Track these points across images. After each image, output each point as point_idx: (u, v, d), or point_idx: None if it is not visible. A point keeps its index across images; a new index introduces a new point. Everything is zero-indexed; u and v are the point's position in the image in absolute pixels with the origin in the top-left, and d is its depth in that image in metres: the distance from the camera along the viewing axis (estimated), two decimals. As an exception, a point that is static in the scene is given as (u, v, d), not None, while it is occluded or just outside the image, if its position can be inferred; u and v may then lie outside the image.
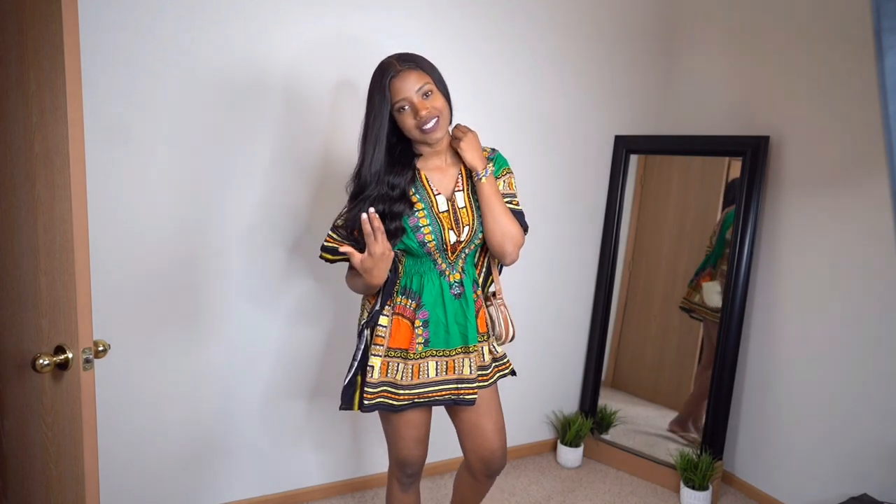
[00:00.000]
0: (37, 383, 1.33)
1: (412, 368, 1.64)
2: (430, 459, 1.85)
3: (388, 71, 1.53)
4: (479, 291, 1.75)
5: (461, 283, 1.67)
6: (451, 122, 1.63)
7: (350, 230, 1.60)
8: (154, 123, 2.02)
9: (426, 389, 1.65)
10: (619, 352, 2.99)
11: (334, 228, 1.66)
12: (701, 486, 2.48)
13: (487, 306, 1.76)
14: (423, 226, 1.60)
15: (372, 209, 1.47)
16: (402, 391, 1.63)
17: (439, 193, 1.64)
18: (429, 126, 1.54)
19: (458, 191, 1.66)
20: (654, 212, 2.90)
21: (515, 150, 2.40)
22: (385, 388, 1.64)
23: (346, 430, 2.53)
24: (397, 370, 1.64)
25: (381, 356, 1.63)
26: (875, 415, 2.20)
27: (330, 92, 2.26)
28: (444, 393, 1.66)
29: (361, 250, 1.52)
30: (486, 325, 1.75)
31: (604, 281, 2.90)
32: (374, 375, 1.63)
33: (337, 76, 2.26)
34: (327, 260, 1.68)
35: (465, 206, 1.65)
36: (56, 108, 1.16)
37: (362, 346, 1.66)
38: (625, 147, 2.84)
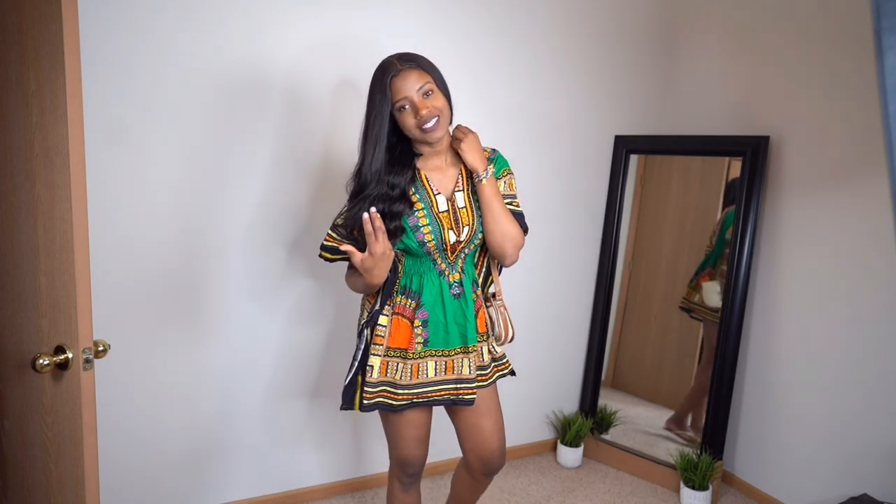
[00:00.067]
0: (37, 383, 1.33)
1: (411, 368, 1.64)
2: (430, 459, 1.85)
3: (389, 70, 1.53)
4: (479, 291, 1.75)
5: (461, 283, 1.67)
6: (451, 122, 1.63)
7: (350, 229, 1.60)
8: (154, 123, 2.02)
9: (425, 389, 1.65)
10: (619, 352, 2.99)
11: (334, 228, 1.66)
12: (701, 486, 2.48)
13: (487, 307, 1.77)
14: (423, 225, 1.60)
15: (373, 209, 1.47)
16: (401, 391, 1.63)
17: (439, 193, 1.64)
18: (429, 125, 1.54)
19: (458, 191, 1.66)
20: (654, 212, 2.90)
21: (515, 150, 2.40)
22: (384, 387, 1.64)
23: (347, 429, 2.53)
24: (397, 370, 1.64)
25: (380, 356, 1.63)
26: (875, 415, 2.20)
27: (330, 91, 2.26)
28: (442, 393, 1.66)
29: (362, 249, 1.52)
30: (486, 325, 1.75)
31: (604, 281, 2.90)
32: (374, 375, 1.63)
33: (337, 75, 2.26)
34: (327, 259, 1.68)
35: (465, 206, 1.65)
36: (56, 108, 1.16)
37: (362, 346, 1.66)
38: (625, 147, 2.84)
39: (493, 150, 1.75)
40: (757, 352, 2.60)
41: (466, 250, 1.67)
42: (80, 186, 1.16)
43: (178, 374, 2.19)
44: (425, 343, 1.64)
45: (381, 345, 1.63)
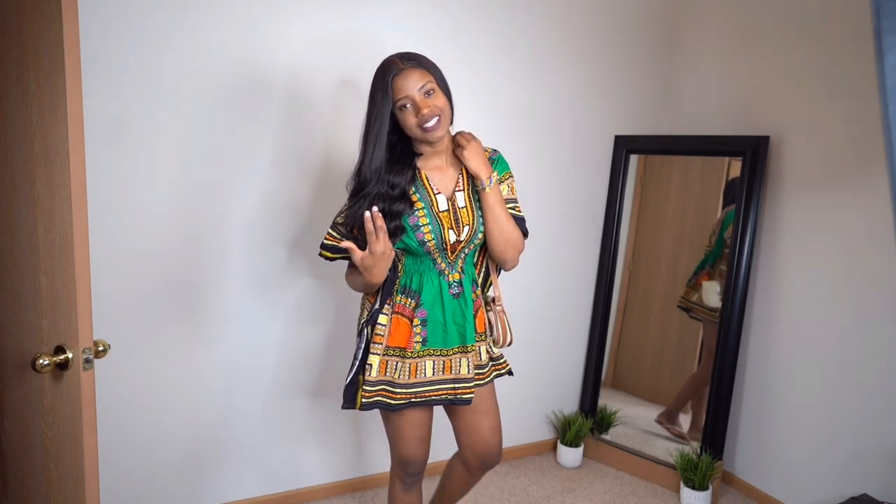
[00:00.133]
0: (37, 383, 1.33)
1: (409, 367, 1.64)
2: (431, 459, 1.85)
3: (391, 69, 1.54)
4: (479, 291, 1.75)
5: (460, 283, 1.67)
6: (451, 122, 1.63)
7: (350, 227, 1.60)
8: (153, 122, 2.02)
9: (423, 389, 1.65)
10: (619, 352, 2.99)
11: (334, 226, 1.67)
12: (701, 486, 2.48)
13: (486, 311, 1.77)
14: (423, 225, 1.60)
15: (375, 208, 1.47)
16: (399, 390, 1.64)
17: (439, 193, 1.64)
18: (430, 124, 1.54)
19: (459, 190, 1.66)
20: (654, 212, 2.90)
21: (515, 149, 2.40)
22: (383, 387, 1.64)
23: (348, 429, 2.53)
24: (396, 369, 1.64)
25: (379, 354, 1.64)
26: (875, 415, 2.20)
27: (330, 90, 2.26)
28: (440, 393, 1.66)
29: (362, 248, 1.53)
30: (485, 325, 1.76)
31: (604, 281, 2.90)
32: (373, 374, 1.63)
33: (337, 74, 2.26)
34: (327, 258, 1.68)
35: (466, 206, 1.65)
36: (56, 108, 1.15)
37: (363, 345, 1.66)
38: (625, 147, 2.84)
39: (494, 150, 1.75)
40: (757, 352, 2.60)
41: (466, 250, 1.67)
42: (80, 186, 1.16)
43: (178, 373, 2.19)
44: (424, 342, 1.64)
45: (381, 344, 1.64)
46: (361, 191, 1.58)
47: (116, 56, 1.93)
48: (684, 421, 2.79)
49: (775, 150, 2.51)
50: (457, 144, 1.66)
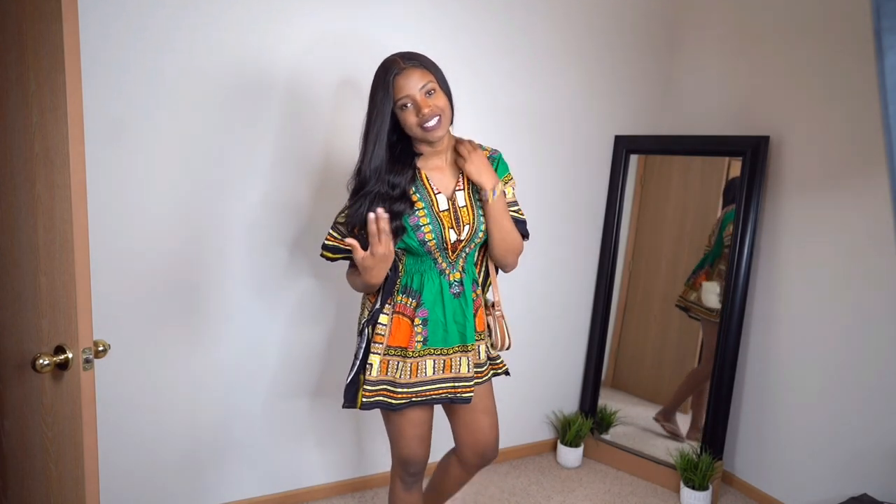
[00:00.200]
0: (37, 383, 1.33)
1: (410, 367, 1.64)
2: (431, 459, 1.85)
3: (392, 68, 1.54)
4: (479, 291, 1.76)
5: (461, 283, 1.67)
6: (452, 122, 1.64)
7: (351, 227, 1.61)
8: (153, 122, 2.02)
9: (424, 388, 1.65)
10: (619, 352, 2.99)
11: (335, 227, 1.67)
12: (701, 486, 2.48)
13: (486, 315, 1.78)
14: (424, 225, 1.60)
15: (381, 210, 1.47)
16: (400, 390, 1.64)
17: (439, 192, 1.64)
18: (431, 124, 1.54)
19: (459, 190, 1.66)
20: (654, 212, 2.90)
21: (515, 150, 2.40)
22: (384, 386, 1.65)
23: (348, 429, 2.53)
24: (397, 368, 1.64)
25: (380, 354, 1.64)
26: (875, 415, 2.20)
27: (330, 90, 2.26)
28: (441, 391, 1.67)
29: (364, 247, 1.53)
30: (484, 325, 1.78)
31: (604, 281, 2.90)
32: (373, 374, 1.63)
33: (337, 73, 2.26)
34: (328, 258, 1.69)
35: (466, 205, 1.65)
36: (56, 108, 1.15)
37: (363, 345, 1.66)
38: (625, 147, 2.84)
39: (495, 150, 1.75)
40: (757, 352, 2.60)
41: (467, 249, 1.67)
42: (80, 186, 1.16)
43: (178, 373, 2.19)
44: (425, 342, 1.65)
45: (382, 343, 1.64)
46: (362, 190, 1.58)
47: (116, 56, 1.93)
48: (684, 421, 2.79)
49: (775, 150, 2.51)
50: (458, 155, 1.65)
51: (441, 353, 1.66)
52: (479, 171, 1.62)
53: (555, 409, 2.96)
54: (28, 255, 1.31)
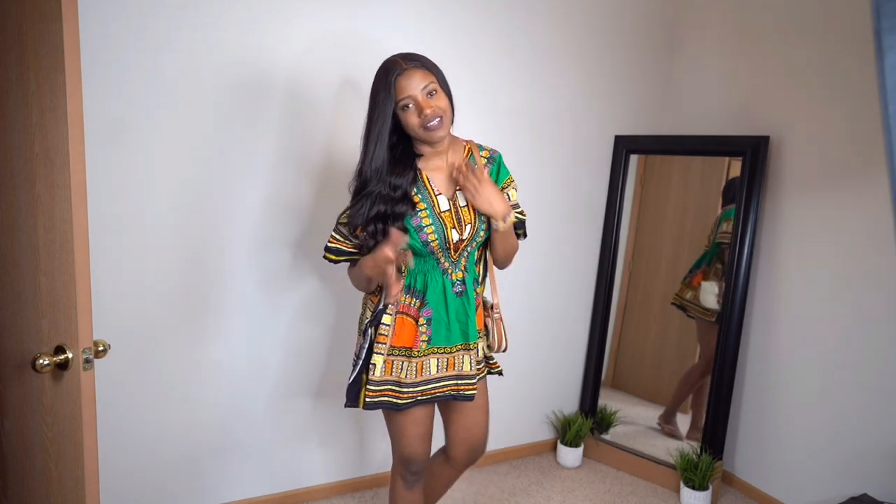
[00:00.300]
0: (37, 383, 1.33)
1: (416, 366, 1.65)
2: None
3: (394, 69, 1.54)
4: (480, 289, 1.77)
5: (463, 282, 1.68)
6: (452, 122, 1.64)
7: (353, 228, 1.61)
8: (153, 122, 2.02)
9: (428, 387, 1.66)
10: (619, 352, 2.99)
11: (337, 228, 1.68)
12: (701, 486, 2.48)
13: (484, 317, 1.79)
14: (426, 226, 1.61)
15: (403, 245, 1.52)
16: (406, 390, 1.65)
17: (440, 193, 1.65)
18: (433, 124, 1.55)
19: (460, 189, 1.66)
20: (654, 212, 2.90)
21: (515, 150, 2.40)
22: (389, 387, 1.65)
23: (349, 429, 2.53)
24: (402, 369, 1.65)
25: (383, 354, 1.64)
26: (875, 415, 2.20)
27: (330, 90, 2.26)
28: (444, 389, 1.68)
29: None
30: (483, 324, 1.79)
31: (604, 281, 2.90)
32: (377, 374, 1.64)
33: (337, 73, 2.26)
34: (331, 260, 1.70)
35: (467, 205, 1.66)
36: (56, 108, 1.15)
37: (366, 345, 1.67)
38: (625, 147, 2.84)
39: (494, 150, 1.76)
40: (757, 352, 2.60)
41: (469, 248, 1.68)
42: (80, 186, 1.16)
43: (179, 373, 2.19)
44: (429, 341, 1.65)
45: (385, 343, 1.64)
46: (363, 190, 1.59)
47: (116, 56, 1.93)
48: (684, 421, 2.79)
49: (775, 150, 2.51)
50: (463, 188, 1.61)
51: (444, 352, 1.67)
52: (490, 203, 1.61)
53: (555, 409, 2.96)
54: (28, 255, 1.31)
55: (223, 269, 2.20)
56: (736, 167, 2.58)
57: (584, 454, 2.88)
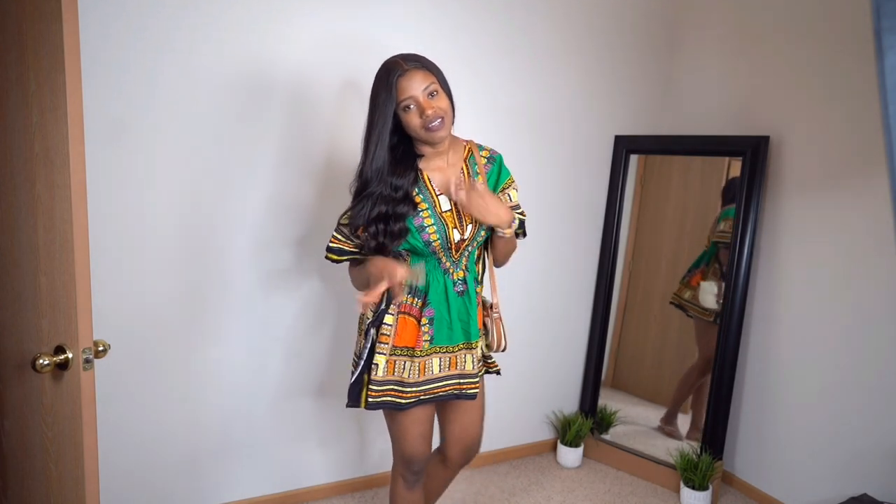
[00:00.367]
0: (37, 383, 1.33)
1: (419, 366, 1.65)
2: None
3: (395, 70, 1.54)
4: (481, 288, 1.78)
5: (464, 281, 1.69)
6: (453, 122, 1.64)
7: (354, 229, 1.61)
8: (154, 122, 2.02)
9: (431, 386, 1.67)
10: (619, 352, 2.99)
11: (339, 229, 1.69)
12: (701, 486, 2.48)
13: (484, 317, 1.79)
14: (428, 226, 1.61)
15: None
16: (409, 389, 1.65)
17: (441, 194, 1.65)
18: (434, 125, 1.55)
19: (461, 189, 1.66)
20: (654, 212, 2.90)
21: (515, 150, 2.40)
22: (392, 387, 1.66)
23: (350, 429, 2.53)
24: (404, 368, 1.65)
25: (385, 354, 1.65)
26: (875, 415, 2.20)
27: (331, 90, 2.26)
28: (447, 388, 1.69)
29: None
30: (483, 324, 1.80)
31: (604, 281, 2.90)
32: (379, 374, 1.64)
33: (337, 73, 2.26)
34: (333, 260, 1.71)
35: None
36: (56, 108, 1.15)
37: (368, 345, 1.67)
38: (625, 147, 2.84)
39: (494, 150, 1.76)
40: (756, 352, 2.60)
41: (470, 248, 1.68)
42: (80, 186, 1.16)
43: (179, 373, 2.18)
44: (431, 340, 1.66)
45: (387, 343, 1.65)
46: (364, 191, 1.59)
47: (116, 56, 1.93)
48: (684, 421, 2.79)
49: (775, 150, 2.51)
50: (461, 204, 1.57)
51: (446, 351, 1.68)
52: (497, 215, 1.58)
53: (555, 409, 2.96)
54: (28, 255, 1.31)
55: (223, 269, 2.20)
56: (736, 167, 2.58)
57: (584, 454, 2.88)
